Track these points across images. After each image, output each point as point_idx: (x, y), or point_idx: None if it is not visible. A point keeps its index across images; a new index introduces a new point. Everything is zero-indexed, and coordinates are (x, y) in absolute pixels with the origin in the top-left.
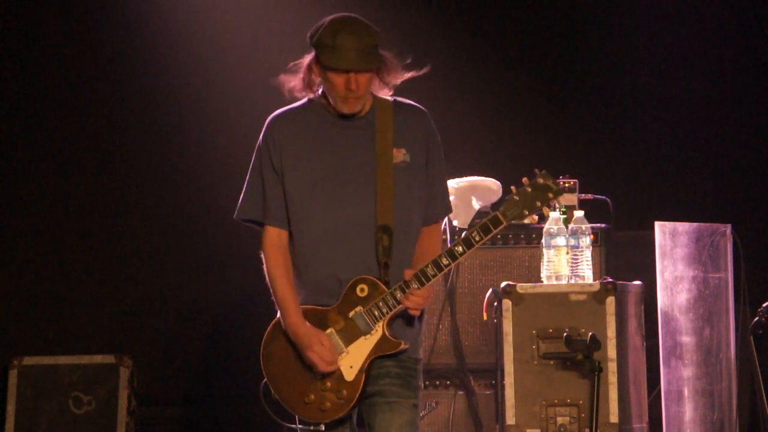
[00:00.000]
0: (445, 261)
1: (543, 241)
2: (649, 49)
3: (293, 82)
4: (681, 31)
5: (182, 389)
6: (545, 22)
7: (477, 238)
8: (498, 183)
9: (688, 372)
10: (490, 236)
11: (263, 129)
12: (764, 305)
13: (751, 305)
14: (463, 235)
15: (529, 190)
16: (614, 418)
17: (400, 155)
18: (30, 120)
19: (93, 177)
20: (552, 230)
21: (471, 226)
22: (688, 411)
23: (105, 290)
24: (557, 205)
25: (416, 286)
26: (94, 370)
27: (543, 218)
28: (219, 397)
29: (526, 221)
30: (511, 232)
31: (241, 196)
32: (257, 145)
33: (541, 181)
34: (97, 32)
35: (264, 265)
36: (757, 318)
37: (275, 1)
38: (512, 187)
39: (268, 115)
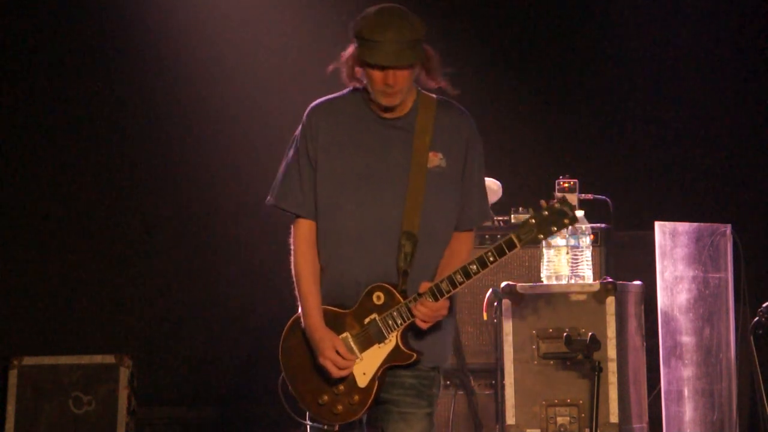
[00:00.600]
0: (459, 278)
1: (543, 241)
2: (649, 50)
3: (343, 70)
4: (681, 32)
5: (182, 389)
6: (545, 23)
7: (491, 259)
8: (498, 183)
9: (688, 372)
10: (504, 258)
11: (303, 117)
12: (764, 305)
13: (751, 305)
14: (477, 254)
15: (546, 214)
16: (614, 418)
17: (436, 159)
18: (30, 120)
19: (93, 177)
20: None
21: None
22: (688, 411)
23: (105, 290)
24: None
25: (429, 300)
26: (94, 370)
27: None
28: (219, 397)
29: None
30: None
31: (278, 182)
32: (295, 132)
33: (558, 206)
34: (97, 32)
35: (292, 257)
36: (757, 318)
37: (275, 1)
38: (530, 209)
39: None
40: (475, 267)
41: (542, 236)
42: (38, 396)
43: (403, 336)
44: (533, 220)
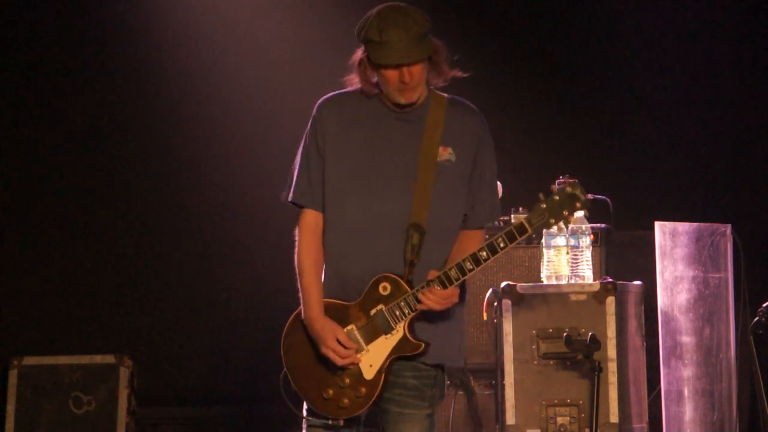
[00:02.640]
0: (469, 265)
1: (543, 241)
2: (648, 50)
3: (354, 79)
4: (680, 32)
5: (182, 389)
6: (545, 23)
7: (502, 245)
8: (498, 183)
9: (688, 372)
10: (514, 243)
11: (313, 111)
12: (764, 305)
13: (751, 305)
14: (487, 241)
15: (557, 198)
16: (614, 418)
17: (445, 154)
18: (30, 120)
19: (93, 177)
20: (552, 230)
21: None
22: (688, 411)
23: (105, 290)
24: None
25: (438, 288)
26: (94, 370)
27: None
28: (219, 397)
29: (554, 229)
30: None
31: (293, 178)
32: (307, 126)
33: (569, 190)
34: (96, 33)
35: (296, 248)
36: (757, 318)
37: (275, 1)
38: (540, 195)
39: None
40: (485, 253)
41: (554, 221)
42: (38, 396)
43: (411, 326)
44: (544, 206)
